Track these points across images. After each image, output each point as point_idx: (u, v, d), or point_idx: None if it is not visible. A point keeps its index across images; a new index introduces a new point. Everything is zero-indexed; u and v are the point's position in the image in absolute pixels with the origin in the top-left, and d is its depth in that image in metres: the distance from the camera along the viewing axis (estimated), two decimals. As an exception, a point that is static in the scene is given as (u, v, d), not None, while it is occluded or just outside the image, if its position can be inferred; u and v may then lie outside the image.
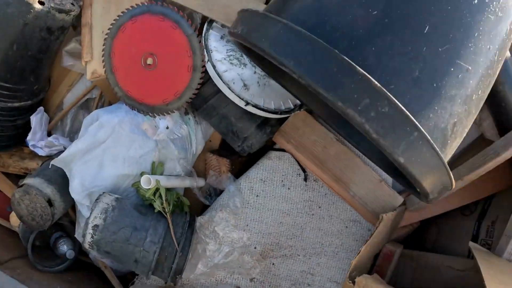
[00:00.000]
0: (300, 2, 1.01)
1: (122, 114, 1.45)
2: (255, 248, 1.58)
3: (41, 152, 1.73)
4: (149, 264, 1.34)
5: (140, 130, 1.43)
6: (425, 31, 0.87)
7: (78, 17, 1.60)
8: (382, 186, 1.59)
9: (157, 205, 1.37)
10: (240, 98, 1.35)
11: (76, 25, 1.71)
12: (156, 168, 1.44)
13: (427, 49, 0.86)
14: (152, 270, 1.35)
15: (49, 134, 1.79)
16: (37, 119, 1.71)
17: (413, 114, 0.81)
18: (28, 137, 1.71)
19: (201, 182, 1.57)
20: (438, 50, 0.87)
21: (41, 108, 1.73)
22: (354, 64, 0.82)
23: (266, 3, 1.49)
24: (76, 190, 1.45)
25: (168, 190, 1.41)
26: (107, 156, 1.41)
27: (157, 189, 1.38)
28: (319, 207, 1.62)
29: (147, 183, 1.37)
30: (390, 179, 1.63)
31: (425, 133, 0.81)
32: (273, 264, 1.62)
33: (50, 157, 1.73)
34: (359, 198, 1.58)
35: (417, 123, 0.80)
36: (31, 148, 1.74)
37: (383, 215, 1.40)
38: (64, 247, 1.72)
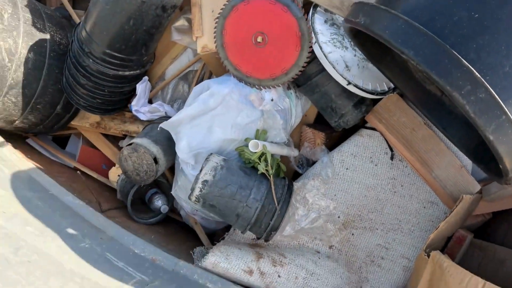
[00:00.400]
0: (414, 0, 1.31)
1: (231, 85, 1.81)
2: (338, 217, 1.91)
3: (142, 117, 2.12)
4: (250, 219, 1.70)
5: (247, 100, 1.78)
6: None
7: (187, -1, 1.95)
8: (463, 172, 1.89)
9: (261, 168, 1.73)
10: (343, 77, 1.66)
11: (181, 5, 2.06)
12: (259, 135, 1.79)
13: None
14: (251, 225, 1.71)
15: (149, 101, 2.16)
16: (142, 87, 2.09)
17: (502, 101, 1.13)
18: (133, 103, 2.10)
19: (295, 152, 1.91)
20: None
21: (146, 77, 2.12)
22: (461, 58, 1.15)
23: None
24: (183, 150, 1.84)
25: (271, 155, 1.75)
26: (216, 121, 1.78)
27: (262, 153, 1.72)
28: (401, 186, 1.92)
29: (255, 147, 1.72)
30: (470, 166, 1.93)
31: (511, 117, 1.13)
32: (352, 234, 1.94)
33: (150, 122, 2.12)
34: (440, 181, 1.88)
35: (505, 108, 1.13)
36: (134, 113, 2.13)
37: (464, 195, 1.71)
38: (159, 202, 2.14)
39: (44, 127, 2.28)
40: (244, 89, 1.83)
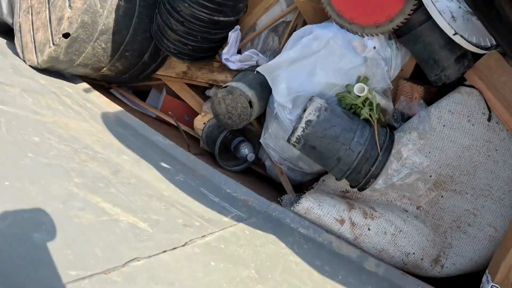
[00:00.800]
0: None
1: (335, 29, 1.97)
2: (430, 176, 1.98)
3: (232, 66, 2.24)
4: (351, 163, 1.81)
5: (350, 45, 1.90)
6: None
7: None
8: None
9: (364, 112, 1.84)
10: (450, 26, 1.72)
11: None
12: (361, 81, 1.84)
13: None
14: (351, 170, 1.83)
15: (238, 52, 2.22)
16: (234, 36, 2.21)
17: None
18: (224, 51, 2.24)
19: (391, 105, 1.94)
20: None
21: (238, 26, 2.25)
22: None
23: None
24: (282, 93, 1.99)
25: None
26: (319, 64, 1.92)
27: (366, 99, 1.75)
28: (496, 150, 1.97)
29: (361, 90, 1.80)
30: None
31: None
32: (442, 196, 1.99)
33: (239, 71, 2.19)
34: (537, 149, 1.89)
35: None
36: (224, 62, 2.26)
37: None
38: (246, 150, 2.28)
39: (130, 75, 2.43)
40: (347, 34, 1.99)
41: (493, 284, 1.77)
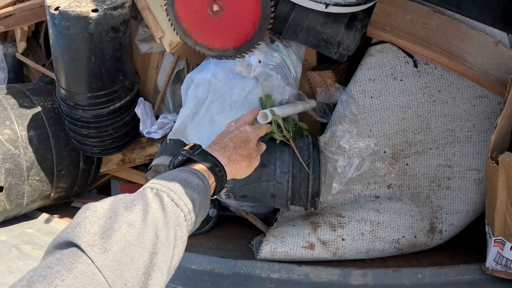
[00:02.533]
0: None
1: (212, 67, 1.54)
2: (384, 152, 1.60)
3: (156, 136, 1.93)
4: (285, 195, 1.44)
5: (235, 74, 1.52)
6: None
7: (133, 7, 1.74)
8: (500, 48, 1.50)
9: (277, 136, 1.45)
10: (317, 2, 1.38)
11: (135, 16, 1.88)
12: (265, 102, 1.54)
13: None
14: (290, 200, 1.45)
15: (156, 117, 2.00)
16: (141, 109, 1.90)
17: None
18: (140, 128, 1.92)
19: (313, 103, 1.63)
20: None
21: (141, 98, 1.91)
22: None
23: None
24: None
25: (284, 119, 1.50)
26: (214, 110, 1.52)
27: (271, 122, 1.48)
28: (439, 91, 1.58)
29: (264, 118, 1.45)
30: (506, 39, 1.53)
31: None
32: (407, 164, 1.63)
33: (166, 136, 1.95)
34: (479, 69, 1.49)
35: None
36: (147, 136, 1.95)
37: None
38: None
39: (78, 186, 2.16)
40: (227, 64, 1.53)
41: (496, 238, 1.46)
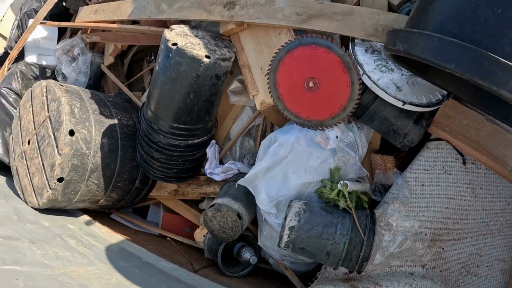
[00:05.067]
0: (440, 15, 1.48)
1: (296, 132, 1.99)
2: (425, 234, 2.01)
3: (217, 178, 2.34)
4: (340, 254, 1.83)
5: (314, 143, 1.96)
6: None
7: (234, 61, 2.18)
8: (537, 159, 1.95)
9: (341, 204, 1.88)
10: (397, 99, 1.81)
11: (231, 70, 2.31)
12: (333, 173, 1.94)
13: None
14: (342, 260, 1.84)
15: (220, 162, 2.38)
16: (212, 151, 2.31)
17: None
18: (206, 166, 2.34)
19: (367, 185, 2.05)
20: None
21: (214, 141, 2.36)
22: (497, 57, 1.28)
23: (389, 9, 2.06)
24: (264, 202, 2.02)
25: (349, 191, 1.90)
26: (290, 169, 1.96)
27: (339, 191, 1.87)
28: (480, 188, 2.01)
29: (345, 186, 1.89)
30: None
31: None
32: (443, 249, 2.03)
33: (225, 181, 2.32)
34: (517, 173, 1.94)
35: None
36: (208, 175, 2.36)
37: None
38: (247, 254, 2.33)
39: (126, 202, 2.57)
40: (309, 133, 2.01)
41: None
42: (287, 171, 1.98)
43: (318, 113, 1.94)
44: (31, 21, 2.93)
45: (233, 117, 2.37)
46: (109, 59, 2.84)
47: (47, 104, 2.33)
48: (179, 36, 2.12)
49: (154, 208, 2.93)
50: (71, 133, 2.20)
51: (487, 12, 1.34)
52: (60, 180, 2.20)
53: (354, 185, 1.93)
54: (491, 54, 1.28)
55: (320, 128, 1.96)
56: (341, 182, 1.89)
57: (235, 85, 2.25)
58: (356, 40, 1.96)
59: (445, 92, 1.95)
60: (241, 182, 2.07)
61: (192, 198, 2.54)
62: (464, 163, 2.01)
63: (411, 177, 2.04)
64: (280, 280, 2.41)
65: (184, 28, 2.21)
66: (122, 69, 3.01)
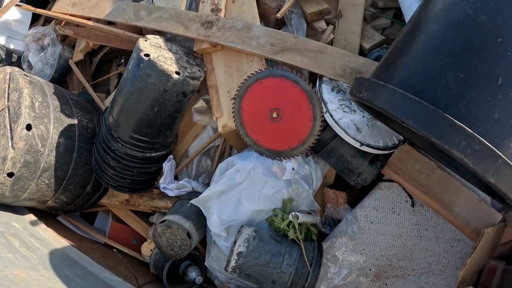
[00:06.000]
0: (406, 71, 1.60)
1: (254, 159, 2.08)
2: (370, 269, 2.13)
3: (170, 193, 2.41)
4: (285, 283, 1.94)
5: (270, 172, 2.05)
6: (499, 83, 1.43)
7: (203, 80, 2.24)
8: (482, 205, 2.13)
9: (291, 234, 1.98)
10: (355, 140, 1.93)
11: (198, 89, 2.37)
12: (286, 204, 2.04)
13: (502, 96, 1.43)
14: None
15: (175, 178, 2.43)
16: (168, 166, 2.38)
17: (496, 146, 1.39)
18: (160, 181, 2.39)
19: (317, 218, 2.16)
20: (510, 95, 1.43)
21: (171, 156, 2.42)
22: (453, 119, 1.42)
23: (360, 53, 2.19)
24: (215, 224, 2.11)
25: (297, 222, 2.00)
26: (244, 195, 2.06)
27: (290, 222, 1.96)
28: (426, 230, 2.15)
29: (296, 218, 2.00)
30: (488, 199, 2.18)
31: (506, 159, 1.39)
32: (386, 284, 2.16)
33: (178, 197, 2.39)
34: (462, 218, 2.11)
35: (500, 153, 1.39)
36: (162, 190, 2.43)
37: (485, 230, 1.95)
38: (193, 274, 2.41)
39: (74, 206, 2.60)
40: (266, 162, 2.11)
41: None
42: (241, 196, 2.08)
43: (278, 143, 2.04)
44: (7, 0, 2.91)
45: (194, 135, 2.44)
46: (78, 55, 2.86)
47: (8, 93, 2.32)
48: (152, 48, 2.17)
49: (103, 215, 2.95)
50: (28, 127, 2.20)
51: (450, 75, 1.48)
52: (10, 175, 2.19)
53: (304, 217, 2.04)
54: (448, 115, 1.41)
55: (278, 159, 2.07)
56: (293, 213, 2.00)
57: (200, 104, 2.32)
58: (324, 78, 2.08)
59: (401, 137, 2.09)
60: (194, 201, 2.15)
61: (143, 210, 2.59)
62: (412, 205, 2.15)
63: (361, 214, 2.17)
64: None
65: (159, 40, 2.28)
66: (90, 68, 3.03)
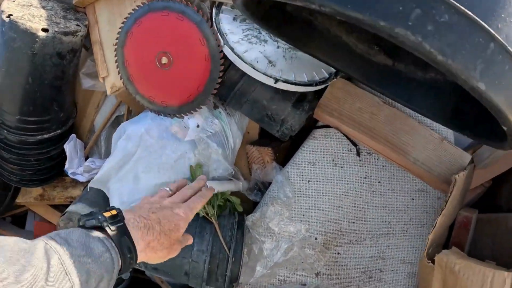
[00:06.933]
0: None
1: (148, 122, 1.34)
2: (315, 239, 1.42)
3: (81, 178, 1.67)
4: (201, 275, 1.22)
5: (169, 134, 1.31)
6: None
7: (87, 37, 1.53)
8: (445, 145, 1.39)
9: (200, 211, 1.25)
10: (267, 76, 1.20)
11: (88, 46, 1.65)
12: (194, 171, 1.32)
13: None
14: (206, 281, 1.22)
15: (86, 159, 1.73)
16: (70, 147, 1.65)
17: (482, 16, 0.61)
18: (66, 166, 1.66)
19: (241, 184, 1.43)
20: None
21: (73, 135, 1.67)
22: None
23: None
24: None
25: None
26: (140, 167, 1.30)
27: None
28: (379, 182, 1.43)
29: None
30: (452, 136, 1.43)
31: (504, 42, 0.61)
32: (338, 253, 1.45)
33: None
34: (422, 164, 1.38)
35: (491, 29, 0.60)
36: (71, 176, 1.69)
37: (456, 176, 1.21)
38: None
39: None
40: (164, 122, 1.34)
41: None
42: (137, 169, 1.31)
43: (174, 96, 1.30)
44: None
45: (95, 106, 1.67)
46: None
47: None
48: (19, 7, 1.42)
49: (32, 216, 2.23)
50: None
51: None
52: None
53: (218, 185, 1.29)
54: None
55: (177, 116, 1.32)
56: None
57: (89, 66, 1.59)
58: (223, 6, 1.34)
59: (332, 70, 1.37)
60: (92, 184, 1.40)
61: (60, 203, 1.85)
62: (358, 154, 1.43)
63: (294, 172, 1.40)
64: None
65: (32, -2, 1.54)
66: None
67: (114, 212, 0.88)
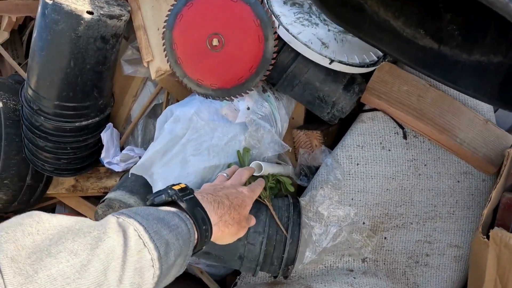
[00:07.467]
0: None
1: (197, 104, 1.32)
2: (363, 223, 1.41)
3: (117, 168, 1.65)
4: (257, 258, 1.20)
5: (219, 116, 1.30)
6: None
7: (129, 24, 1.52)
8: (489, 126, 1.40)
9: None
10: (323, 56, 1.19)
11: (127, 36, 1.64)
12: (243, 155, 1.30)
13: None
14: (261, 264, 1.21)
15: (122, 149, 1.70)
16: (107, 135, 1.62)
17: None
18: (102, 155, 1.63)
19: (289, 168, 1.42)
20: None
21: (110, 124, 1.65)
22: None
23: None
24: None
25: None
26: (189, 150, 1.28)
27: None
28: (425, 165, 1.43)
29: (259, 169, 1.23)
30: (494, 119, 1.45)
31: None
32: (385, 238, 1.44)
33: (128, 171, 1.65)
34: (468, 145, 1.38)
35: None
36: (107, 166, 1.66)
37: (509, 150, 1.23)
38: None
39: (19, 203, 1.79)
40: (213, 104, 1.32)
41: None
42: (186, 153, 1.29)
43: (225, 79, 1.29)
44: None
45: (133, 94, 1.65)
46: (3, 35, 2.05)
47: None
48: None
49: (60, 208, 2.18)
50: None
51: None
52: None
53: (270, 167, 1.27)
54: None
55: (227, 98, 1.30)
56: (254, 162, 1.25)
57: (130, 53, 1.54)
58: (273, -10, 1.34)
59: (380, 53, 1.36)
60: (133, 170, 1.36)
61: (93, 194, 1.80)
62: (405, 137, 1.42)
63: (343, 155, 1.40)
64: (196, 281, 1.75)
65: (73, -16, 1.51)
66: (21, 47, 2.24)
67: (183, 185, 0.86)
